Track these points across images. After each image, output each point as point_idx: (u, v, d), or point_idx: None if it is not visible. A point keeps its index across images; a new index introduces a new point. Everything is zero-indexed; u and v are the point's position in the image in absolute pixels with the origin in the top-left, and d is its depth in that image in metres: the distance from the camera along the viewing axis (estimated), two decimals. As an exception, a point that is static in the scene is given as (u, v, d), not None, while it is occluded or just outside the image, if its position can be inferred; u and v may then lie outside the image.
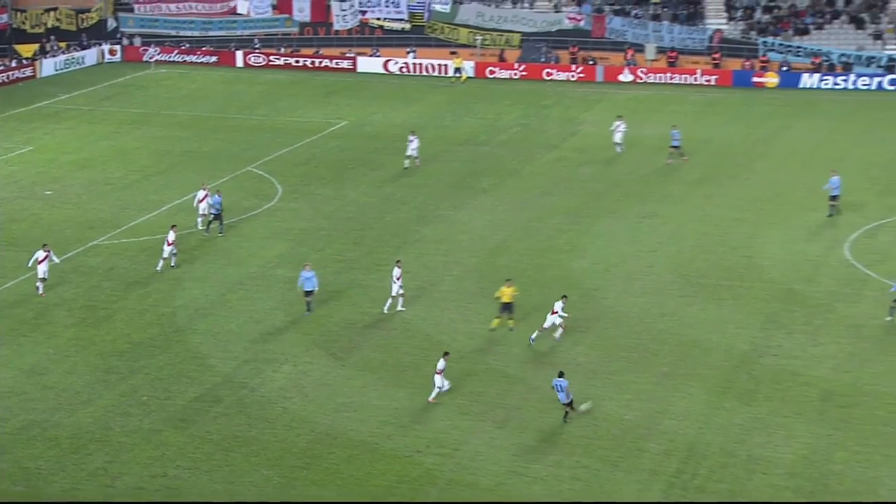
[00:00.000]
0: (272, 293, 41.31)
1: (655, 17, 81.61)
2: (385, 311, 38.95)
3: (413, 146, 56.78)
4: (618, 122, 58.89)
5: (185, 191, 52.06)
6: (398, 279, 38.82)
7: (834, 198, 47.54)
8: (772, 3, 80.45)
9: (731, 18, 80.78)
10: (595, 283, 41.92)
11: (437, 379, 33.01)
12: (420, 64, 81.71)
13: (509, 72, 79.35)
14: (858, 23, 77.01)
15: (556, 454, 30.32)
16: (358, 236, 47.41)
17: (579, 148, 60.78)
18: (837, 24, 77.80)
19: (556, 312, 36.29)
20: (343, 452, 30.56)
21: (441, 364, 33.08)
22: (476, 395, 33.63)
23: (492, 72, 79.70)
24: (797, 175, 53.20)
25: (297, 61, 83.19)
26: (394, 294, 39.02)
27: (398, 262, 39.58)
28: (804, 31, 77.79)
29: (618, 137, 58.46)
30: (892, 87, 71.00)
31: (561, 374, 31.74)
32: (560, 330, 36.54)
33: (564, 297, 36.75)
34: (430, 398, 33.02)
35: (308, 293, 39.17)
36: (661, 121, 65.78)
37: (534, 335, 36.46)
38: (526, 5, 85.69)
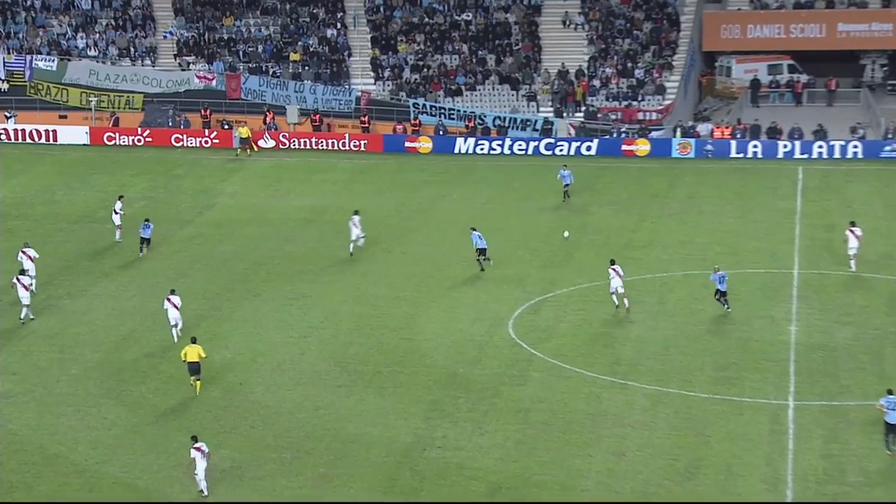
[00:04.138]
0: None
1: (296, 77, 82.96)
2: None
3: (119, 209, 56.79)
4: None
5: None
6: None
7: (482, 251, 51.53)
8: (420, 63, 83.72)
9: (378, 78, 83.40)
10: (240, 375, 41.57)
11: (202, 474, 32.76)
12: (23, 130, 78.96)
13: (131, 137, 78.02)
14: (512, 83, 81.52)
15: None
16: (-49, 334, 44.89)
17: (217, 223, 60.43)
18: (489, 85, 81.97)
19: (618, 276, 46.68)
20: None
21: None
22: (103, 515, 32.50)
23: (110, 138, 78.16)
24: (456, 247, 55.16)
25: None
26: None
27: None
28: (457, 93, 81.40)
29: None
30: (548, 152, 74.24)
31: None
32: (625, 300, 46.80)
33: (613, 260, 47.58)
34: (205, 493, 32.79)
35: None
36: (308, 191, 66.75)
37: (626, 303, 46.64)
38: (148, 63, 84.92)
